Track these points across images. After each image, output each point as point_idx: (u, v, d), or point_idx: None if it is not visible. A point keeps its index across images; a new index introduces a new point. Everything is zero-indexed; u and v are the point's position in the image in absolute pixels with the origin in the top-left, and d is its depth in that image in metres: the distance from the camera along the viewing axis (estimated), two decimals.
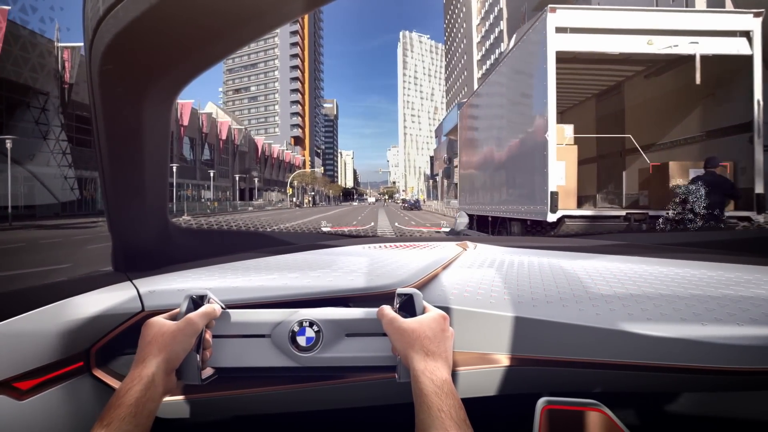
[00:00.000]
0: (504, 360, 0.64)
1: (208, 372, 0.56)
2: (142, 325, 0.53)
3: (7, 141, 15.49)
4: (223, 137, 42.23)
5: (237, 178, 42.78)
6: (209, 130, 38.59)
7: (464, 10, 59.94)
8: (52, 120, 21.37)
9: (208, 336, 0.57)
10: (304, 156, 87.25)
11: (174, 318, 0.54)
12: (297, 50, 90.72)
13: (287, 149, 70.54)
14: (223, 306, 0.62)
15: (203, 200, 33.70)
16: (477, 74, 53.70)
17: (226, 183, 44.36)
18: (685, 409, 0.72)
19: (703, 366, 0.57)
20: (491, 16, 47.36)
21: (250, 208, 35.45)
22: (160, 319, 0.53)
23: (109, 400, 0.44)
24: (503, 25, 43.10)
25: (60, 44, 21.41)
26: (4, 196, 15.87)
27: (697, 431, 0.72)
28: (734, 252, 0.86)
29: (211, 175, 35.76)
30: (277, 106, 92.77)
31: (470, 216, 8.39)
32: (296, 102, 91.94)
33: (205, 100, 53.81)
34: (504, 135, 6.53)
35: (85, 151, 22.84)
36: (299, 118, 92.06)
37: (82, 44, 0.53)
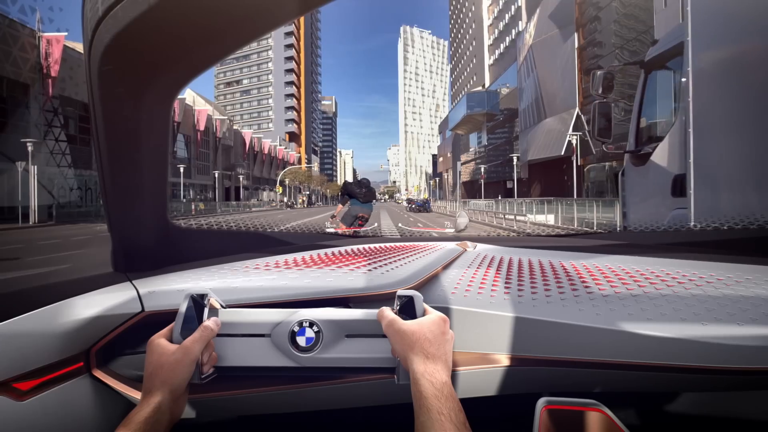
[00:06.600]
0: (504, 360, 0.65)
1: (207, 370, 0.57)
2: (147, 343, 0.55)
3: None
4: (201, 128, 36.87)
5: (217, 175, 37.19)
6: (182, 118, 32.92)
7: None
8: None
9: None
10: (299, 153, 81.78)
11: (172, 332, 0.56)
12: (292, 40, 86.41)
13: (281, 145, 64.99)
14: (224, 305, 0.63)
15: (183, 200, 28.07)
16: (488, 60, 48.21)
17: (206, 180, 38.77)
18: (685, 409, 0.73)
19: (703, 366, 0.58)
20: None
21: (230, 209, 29.75)
22: (161, 344, 0.54)
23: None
24: (521, 1, 37.54)
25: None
26: None
27: (697, 431, 0.73)
28: (734, 252, 0.85)
29: (181, 170, 30.24)
30: (270, 100, 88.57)
31: None
32: (291, 95, 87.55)
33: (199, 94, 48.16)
34: None
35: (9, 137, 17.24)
36: (295, 113, 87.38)
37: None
